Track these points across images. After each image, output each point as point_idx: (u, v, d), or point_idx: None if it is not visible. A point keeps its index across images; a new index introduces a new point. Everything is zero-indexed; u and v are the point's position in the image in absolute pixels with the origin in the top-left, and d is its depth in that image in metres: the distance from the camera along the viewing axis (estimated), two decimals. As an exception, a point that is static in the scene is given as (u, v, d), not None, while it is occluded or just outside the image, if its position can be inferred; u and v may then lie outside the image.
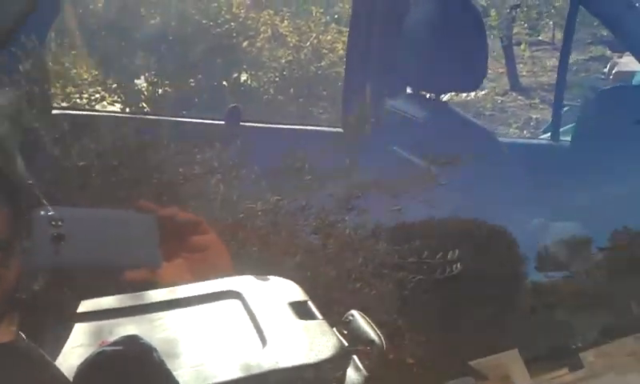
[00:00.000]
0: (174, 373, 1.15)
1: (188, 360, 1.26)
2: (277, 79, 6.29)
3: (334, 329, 1.43)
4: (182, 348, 1.30)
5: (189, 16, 5.90)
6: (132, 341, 1.17)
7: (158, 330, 1.38)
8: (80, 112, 3.45)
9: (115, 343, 1.16)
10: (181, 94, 5.66)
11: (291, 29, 6.41)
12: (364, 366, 1.45)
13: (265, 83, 6.36)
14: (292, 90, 6.05)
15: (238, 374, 1.25)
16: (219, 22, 5.93)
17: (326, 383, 1.31)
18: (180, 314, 1.45)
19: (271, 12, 6.37)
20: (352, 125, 2.30)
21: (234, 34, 6.13)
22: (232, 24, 6.05)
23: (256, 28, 6.24)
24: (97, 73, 5.93)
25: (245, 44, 6.18)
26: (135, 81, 6.00)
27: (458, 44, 2.00)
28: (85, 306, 1.39)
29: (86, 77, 5.72)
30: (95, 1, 5.87)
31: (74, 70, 5.78)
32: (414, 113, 2.02)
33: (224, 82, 6.10)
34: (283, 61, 6.38)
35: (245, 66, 6.38)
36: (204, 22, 5.92)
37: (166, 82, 6.00)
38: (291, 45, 6.35)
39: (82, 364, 1.12)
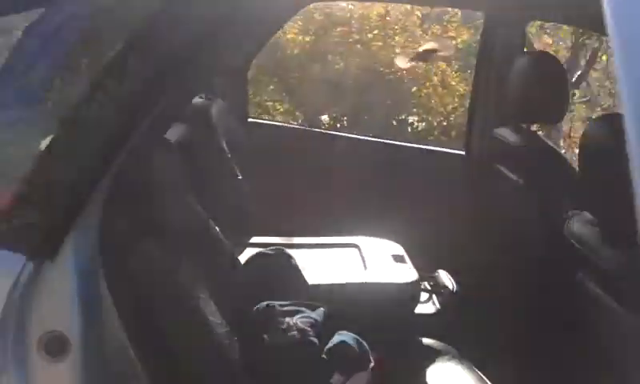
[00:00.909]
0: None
1: (318, 273, 1.98)
2: (443, 123, 6.89)
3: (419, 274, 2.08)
4: (315, 266, 2.04)
5: (368, 64, 6.67)
6: (279, 249, 1.93)
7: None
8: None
9: (270, 249, 1.93)
10: (355, 128, 6.42)
11: (459, 79, 6.94)
12: (439, 303, 2.10)
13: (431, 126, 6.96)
14: (453, 132, 6.56)
15: (344, 280, 1.96)
16: (392, 69, 6.64)
17: (402, 300, 1.97)
18: (320, 252, 2.19)
19: (443, 64, 6.96)
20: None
21: (405, 81, 6.80)
22: (404, 72, 6.73)
23: (427, 76, 6.85)
24: (288, 107, 6.90)
25: (414, 89, 6.80)
26: (319, 116, 6.89)
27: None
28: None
29: (279, 109, 6.66)
30: (292, 47, 6.80)
31: (270, 103, 6.78)
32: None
33: (393, 122, 6.81)
34: (450, 107, 6.94)
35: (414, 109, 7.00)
36: (380, 69, 6.66)
37: (344, 117, 6.83)
38: (457, 94, 6.89)
39: (249, 257, 1.89)
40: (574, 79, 6.92)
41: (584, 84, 7.18)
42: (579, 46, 6.69)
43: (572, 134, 7.53)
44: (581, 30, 6.52)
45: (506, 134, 2.55)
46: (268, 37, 3.07)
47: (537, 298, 1.97)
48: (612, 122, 1.67)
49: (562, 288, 1.83)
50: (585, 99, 7.86)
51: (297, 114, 6.96)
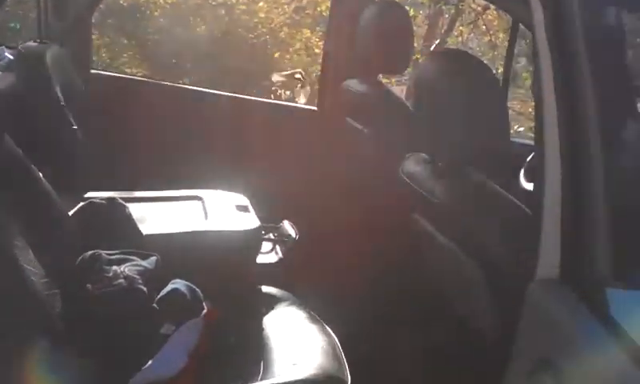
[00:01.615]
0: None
1: (155, 224, 1.89)
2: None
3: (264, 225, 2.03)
4: (153, 218, 1.95)
5: (231, 28, 6.54)
6: (110, 198, 1.82)
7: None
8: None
9: (102, 199, 1.82)
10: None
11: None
12: (282, 252, 2.07)
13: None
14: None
15: (181, 229, 1.88)
16: (255, 34, 6.56)
17: (242, 247, 1.93)
18: (160, 205, 2.10)
19: (307, 31, 6.97)
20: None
21: (269, 46, 6.73)
22: (268, 37, 6.67)
23: (291, 43, 6.83)
24: (146, 72, 6.64)
25: (276, 55, 6.76)
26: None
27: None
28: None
29: (137, 72, 6.38)
30: (152, 8, 6.55)
31: (128, 70, 6.50)
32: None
33: (254, 90, 6.73)
34: (314, 75, 6.96)
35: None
36: (243, 34, 6.56)
37: (206, 85, 6.67)
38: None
39: (79, 206, 1.77)
40: (432, 47, 7.13)
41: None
42: (437, 13, 6.89)
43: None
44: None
45: (354, 85, 2.57)
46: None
47: (375, 242, 2.00)
48: (438, 60, 1.70)
49: (398, 229, 1.85)
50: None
51: (155, 79, 6.72)
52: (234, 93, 3.42)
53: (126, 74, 6.28)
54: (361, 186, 2.35)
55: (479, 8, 7.40)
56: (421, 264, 1.81)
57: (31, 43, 2.52)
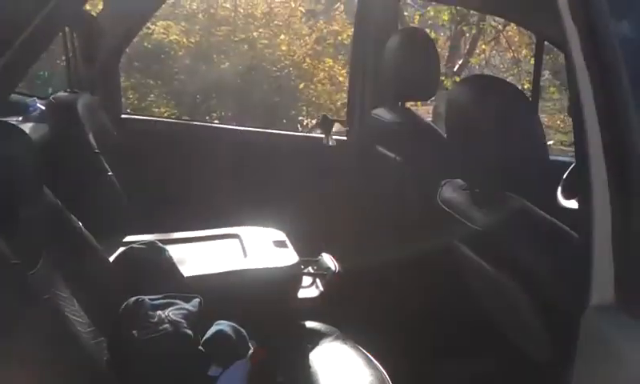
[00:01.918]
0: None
1: (195, 265, 1.90)
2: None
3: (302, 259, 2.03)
4: (193, 259, 1.96)
5: (254, 62, 6.60)
6: (150, 242, 1.83)
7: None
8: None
9: (141, 244, 1.83)
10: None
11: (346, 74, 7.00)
12: (322, 286, 2.06)
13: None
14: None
15: (222, 269, 1.89)
16: (279, 66, 6.61)
17: (283, 283, 1.92)
18: (198, 245, 2.11)
19: (330, 60, 7.01)
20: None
21: (293, 78, 6.77)
22: (291, 69, 6.71)
23: (314, 73, 6.86)
24: (175, 111, 6.72)
25: (301, 86, 6.79)
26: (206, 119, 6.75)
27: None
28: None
29: (164, 111, 6.46)
30: (176, 49, 6.64)
31: (155, 109, 6.58)
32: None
33: (284, 120, 6.77)
34: (339, 103, 6.98)
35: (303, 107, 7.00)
36: (267, 67, 6.61)
37: (233, 121, 6.73)
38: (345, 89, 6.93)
39: (119, 252, 1.79)
40: (455, 68, 7.13)
41: (466, 71, 7.41)
42: (459, 33, 6.90)
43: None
44: (459, 18, 6.74)
45: (382, 113, 2.57)
46: (137, 28, 2.96)
47: (416, 271, 1.97)
48: (470, 85, 1.69)
49: (439, 257, 1.83)
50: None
51: (184, 118, 6.80)
52: (262, 127, 3.46)
53: (154, 114, 6.39)
54: (397, 215, 2.34)
55: (499, 26, 7.40)
56: (464, 292, 1.79)
57: (62, 93, 2.57)
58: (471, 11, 6.60)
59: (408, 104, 2.62)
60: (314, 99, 6.98)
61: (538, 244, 1.45)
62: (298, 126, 6.92)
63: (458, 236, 1.75)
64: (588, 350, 1.11)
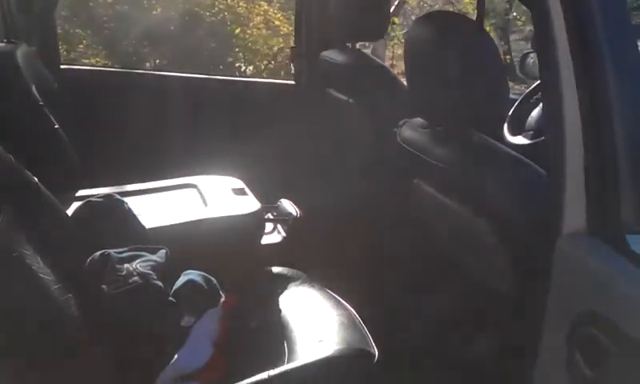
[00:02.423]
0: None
1: (155, 216, 1.86)
2: (270, 65, 6.83)
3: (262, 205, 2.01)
4: (152, 210, 1.92)
5: (187, 7, 6.42)
6: (108, 195, 1.79)
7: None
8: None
9: (99, 197, 1.78)
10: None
11: (282, 18, 6.90)
12: (284, 231, 2.06)
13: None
14: (282, 72, 6.54)
15: (184, 219, 1.86)
16: (213, 12, 6.45)
17: (247, 231, 1.91)
18: (155, 196, 2.07)
19: (264, 4, 6.88)
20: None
21: (228, 23, 6.62)
22: (226, 14, 6.56)
23: (250, 18, 6.72)
24: (106, 62, 6.50)
25: (237, 31, 6.65)
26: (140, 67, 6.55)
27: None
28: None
29: (95, 61, 6.24)
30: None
31: (85, 60, 6.34)
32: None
33: (220, 66, 6.64)
34: (276, 48, 6.89)
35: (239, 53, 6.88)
36: (200, 12, 6.44)
37: (167, 69, 6.56)
38: (282, 34, 6.85)
39: (77, 207, 1.74)
40: (392, 8, 7.11)
41: (402, 11, 7.41)
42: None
43: (394, 60, 7.83)
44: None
45: (333, 55, 2.55)
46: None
47: (377, 210, 1.99)
48: (430, 23, 1.69)
49: (400, 195, 1.85)
50: (405, 25, 8.17)
51: (116, 67, 6.58)
52: (199, 73, 3.38)
53: (84, 65, 6.15)
54: (353, 156, 2.35)
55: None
56: (426, 229, 1.82)
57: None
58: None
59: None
60: (249, 45, 6.86)
61: (503, 178, 1.49)
62: (236, 72, 6.81)
63: (420, 174, 1.77)
64: (563, 275, 1.15)
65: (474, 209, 1.54)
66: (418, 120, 1.84)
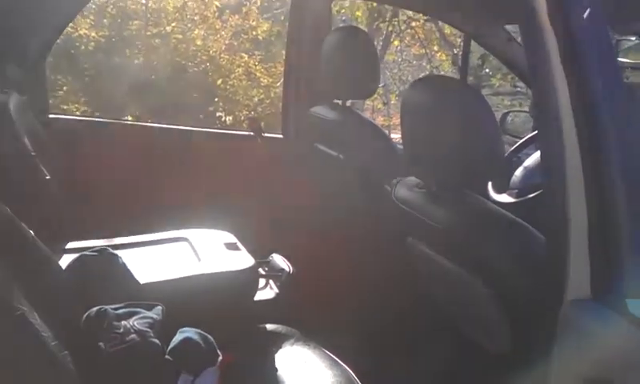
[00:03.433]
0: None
1: (149, 271, 1.85)
2: (250, 115, 6.87)
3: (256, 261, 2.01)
4: (145, 264, 1.90)
5: (169, 58, 6.47)
6: (103, 249, 1.77)
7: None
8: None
9: (93, 251, 1.77)
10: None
11: (262, 71, 6.98)
12: (277, 287, 2.05)
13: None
14: (262, 124, 6.55)
15: (178, 274, 1.85)
16: (195, 62, 6.51)
17: (242, 287, 1.90)
18: (147, 250, 2.05)
19: (245, 55, 6.96)
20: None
21: (209, 74, 6.68)
22: (208, 64, 6.63)
23: (231, 69, 6.80)
24: (85, 109, 6.48)
25: (219, 82, 6.70)
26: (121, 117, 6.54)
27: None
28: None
29: (76, 112, 6.22)
30: (85, 43, 6.40)
31: (65, 106, 6.31)
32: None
33: (200, 116, 6.67)
34: (256, 99, 6.96)
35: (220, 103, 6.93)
36: (182, 62, 6.49)
37: (149, 119, 6.56)
38: (263, 85, 6.93)
39: (71, 261, 1.72)
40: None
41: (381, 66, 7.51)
42: (374, 31, 7.00)
43: (373, 113, 7.95)
44: (376, 14, 6.85)
45: (322, 111, 2.58)
46: (67, 21, 2.84)
47: (370, 267, 2.00)
48: (426, 86, 1.73)
49: (394, 254, 1.87)
50: (381, 84, 8.31)
51: (96, 115, 6.57)
52: (180, 124, 3.38)
53: (63, 111, 6.13)
54: (342, 212, 2.36)
55: (412, 21, 7.57)
56: (420, 286, 1.83)
57: (-11, 93, 2.43)
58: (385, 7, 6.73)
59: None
60: (230, 95, 6.92)
61: (502, 241, 1.51)
62: (216, 122, 6.84)
63: (415, 233, 1.79)
64: (568, 341, 1.16)
65: (471, 270, 1.56)
66: (413, 179, 1.87)
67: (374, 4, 6.54)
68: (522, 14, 1.23)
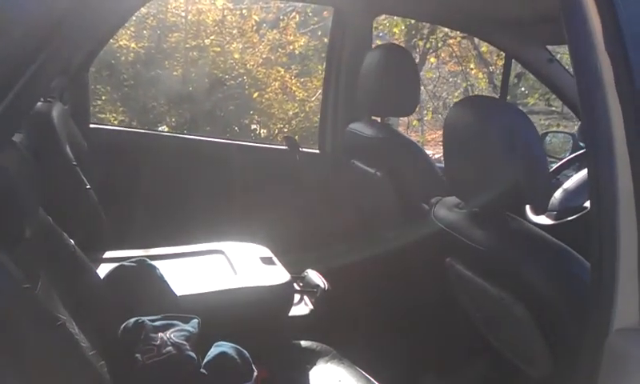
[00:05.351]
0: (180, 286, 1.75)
1: (185, 283, 1.85)
2: (284, 129, 6.90)
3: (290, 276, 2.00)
4: (182, 276, 1.90)
5: (207, 70, 6.53)
6: (141, 261, 1.78)
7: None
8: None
9: (131, 261, 1.77)
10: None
11: (298, 85, 7.01)
12: (311, 303, 2.04)
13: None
14: (296, 138, 6.57)
15: (215, 288, 1.85)
16: (232, 75, 6.55)
17: (277, 302, 1.90)
18: (184, 261, 2.06)
19: (281, 69, 7.00)
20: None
21: (246, 87, 6.73)
22: (245, 77, 6.67)
23: (267, 82, 6.84)
24: (123, 119, 6.57)
25: (255, 95, 6.74)
26: (158, 126, 6.62)
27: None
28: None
29: (114, 121, 6.30)
30: (125, 54, 6.50)
31: (103, 115, 6.41)
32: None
33: (235, 128, 6.71)
34: (291, 113, 6.98)
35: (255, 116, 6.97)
36: (219, 75, 6.55)
37: (184, 126, 6.63)
38: (298, 99, 6.95)
39: (109, 271, 1.73)
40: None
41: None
42: (411, 47, 6.98)
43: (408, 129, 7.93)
44: (413, 31, 6.83)
45: (360, 128, 2.58)
46: (110, 33, 2.89)
47: (407, 287, 1.98)
48: (473, 107, 1.71)
49: (431, 273, 1.84)
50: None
51: (133, 125, 6.65)
52: (215, 135, 3.40)
53: (101, 120, 6.22)
54: (379, 229, 2.34)
55: (449, 39, 7.54)
56: (459, 307, 1.80)
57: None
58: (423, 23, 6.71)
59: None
60: (265, 109, 6.95)
61: (547, 268, 1.48)
62: (251, 135, 6.88)
63: (454, 253, 1.77)
64: (614, 370, 1.13)
65: (512, 294, 1.53)
66: (453, 199, 1.85)
67: (412, 21, 6.52)
68: (571, 36, 1.20)
